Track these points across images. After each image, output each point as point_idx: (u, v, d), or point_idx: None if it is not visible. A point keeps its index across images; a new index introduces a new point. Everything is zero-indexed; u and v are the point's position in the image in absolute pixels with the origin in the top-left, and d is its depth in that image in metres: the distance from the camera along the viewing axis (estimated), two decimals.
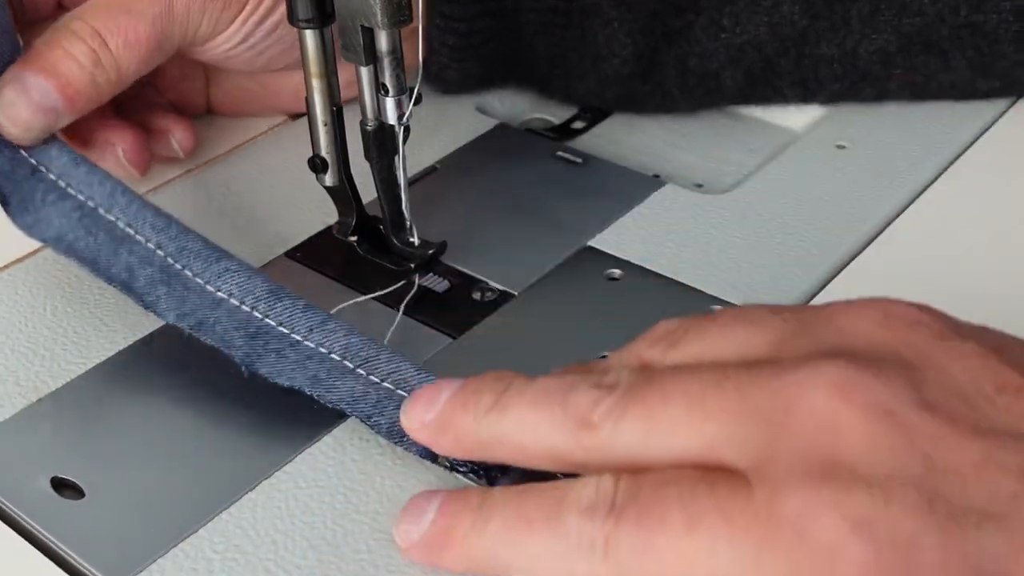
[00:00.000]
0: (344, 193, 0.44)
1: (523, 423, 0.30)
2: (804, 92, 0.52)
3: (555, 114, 0.56)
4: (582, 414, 0.29)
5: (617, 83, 0.52)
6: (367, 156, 0.42)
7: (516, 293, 0.43)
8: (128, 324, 0.42)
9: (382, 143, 0.42)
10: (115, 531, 0.34)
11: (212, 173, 0.51)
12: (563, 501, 0.29)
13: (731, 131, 0.54)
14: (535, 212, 0.47)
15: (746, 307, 0.33)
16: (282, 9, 0.47)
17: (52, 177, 0.42)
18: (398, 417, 0.33)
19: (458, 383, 0.32)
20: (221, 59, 0.49)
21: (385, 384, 0.35)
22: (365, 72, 0.41)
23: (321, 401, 0.35)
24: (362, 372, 0.35)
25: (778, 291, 0.42)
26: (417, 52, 0.41)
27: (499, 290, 0.43)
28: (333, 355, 0.36)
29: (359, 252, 0.45)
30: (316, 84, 0.42)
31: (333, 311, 0.40)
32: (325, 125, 0.43)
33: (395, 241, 0.44)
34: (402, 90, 0.41)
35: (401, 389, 0.35)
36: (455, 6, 0.50)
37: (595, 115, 0.55)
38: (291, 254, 0.46)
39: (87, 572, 0.33)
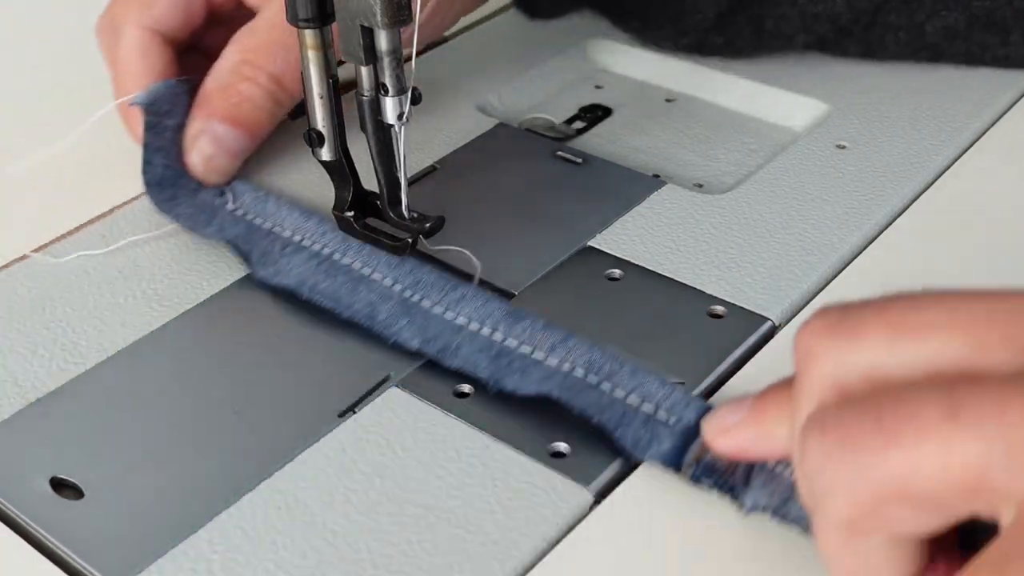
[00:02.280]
0: (341, 167, 0.44)
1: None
2: (865, 51, 0.55)
3: (555, 114, 0.56)
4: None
5: (693, 33, 0.55)
6: (363, 128, 0.42)
7: (516, 293, 0.43)
8: (126, 324, 0.42)
9: (377, 114, 0.41)
10: (115, 532, 0.34)
11: None
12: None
13: (731, 131, 0.54)
14: (535, 212, 0.47)
15: (904, 298, 0.28)
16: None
17: (287, 234, 0.45)
18: (642, 434, 0.35)
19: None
20: None
21: (629, 399, 0.36)
22: (365, 72, 0.40)
23: (567, 406, 0.36)
24: (605, 388, 0.36)
25: (778, 291, 0.42)
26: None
27: (499, 290, 0.43)
28: (577, 371, 0.37)
29: (355, 227, 0.44)
30: (312, 56, 0.42)
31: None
32: (321, 98, 0.42)
33: (392, 215, 0.43)
34: (402, 90, 0.40)
35: (648, 402, 0.36)
36: None
37: (595, 115, 0.55)
38: None
39: (86, 573, 0.33)
